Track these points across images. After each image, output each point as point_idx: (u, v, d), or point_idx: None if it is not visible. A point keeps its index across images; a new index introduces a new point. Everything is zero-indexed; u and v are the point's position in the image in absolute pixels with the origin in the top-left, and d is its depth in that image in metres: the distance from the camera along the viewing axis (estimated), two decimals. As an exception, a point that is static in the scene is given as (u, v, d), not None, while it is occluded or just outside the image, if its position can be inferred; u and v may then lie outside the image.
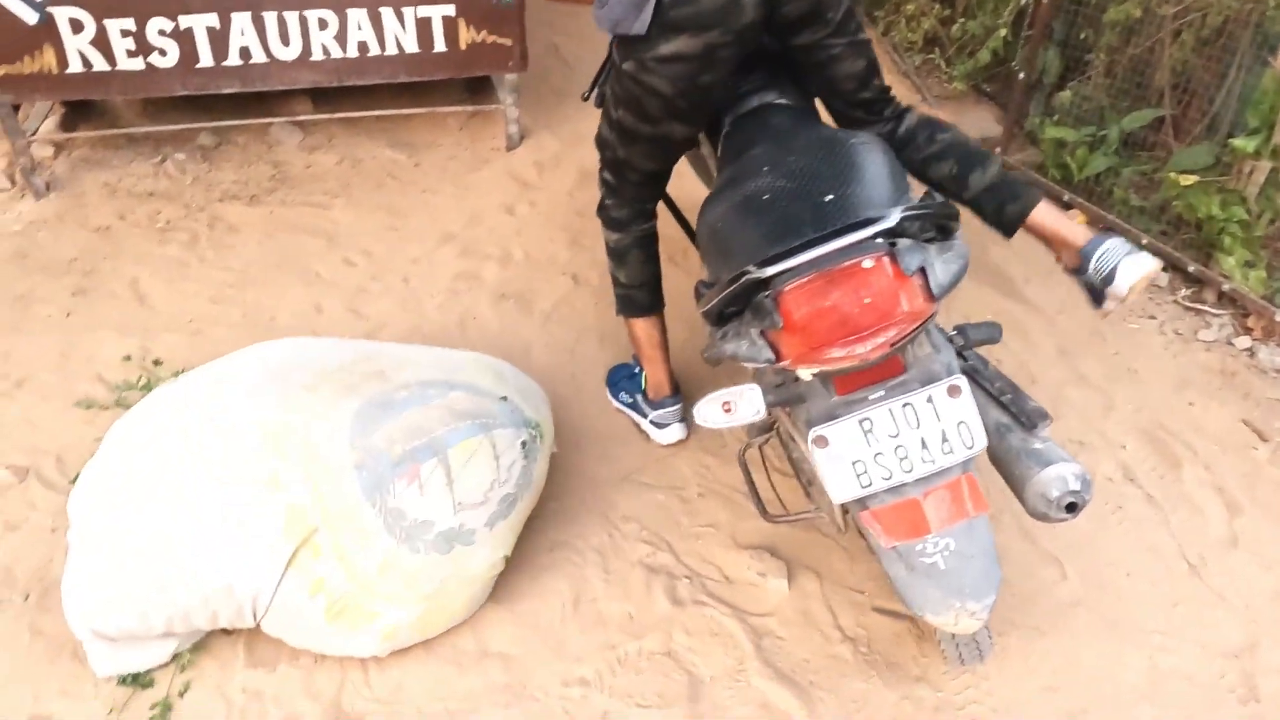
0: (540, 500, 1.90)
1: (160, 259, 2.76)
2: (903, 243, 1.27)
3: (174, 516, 1.57)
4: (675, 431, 2.15)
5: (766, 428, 1.74)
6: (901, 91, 4.06)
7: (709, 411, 1.36)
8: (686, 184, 2.37)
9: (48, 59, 2.78)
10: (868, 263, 1.25)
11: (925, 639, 1.72)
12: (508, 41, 3.09)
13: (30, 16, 2.70)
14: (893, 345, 1.25)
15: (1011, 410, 1.50)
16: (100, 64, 2.81)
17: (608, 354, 2.44)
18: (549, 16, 4.08)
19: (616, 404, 2.26)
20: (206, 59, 2.88)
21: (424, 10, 2.97)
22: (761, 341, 1.32)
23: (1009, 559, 1.89)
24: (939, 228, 1.32)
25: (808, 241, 1.26)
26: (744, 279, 1.28)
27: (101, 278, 2.69)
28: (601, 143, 1.96)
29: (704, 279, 1.51)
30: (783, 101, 1.76)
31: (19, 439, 2.11)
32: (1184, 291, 2.79)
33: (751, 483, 1.70)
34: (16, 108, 2.92)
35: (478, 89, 3.51)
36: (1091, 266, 1.75)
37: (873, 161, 1.39)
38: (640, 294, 2.09)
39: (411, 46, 3.01)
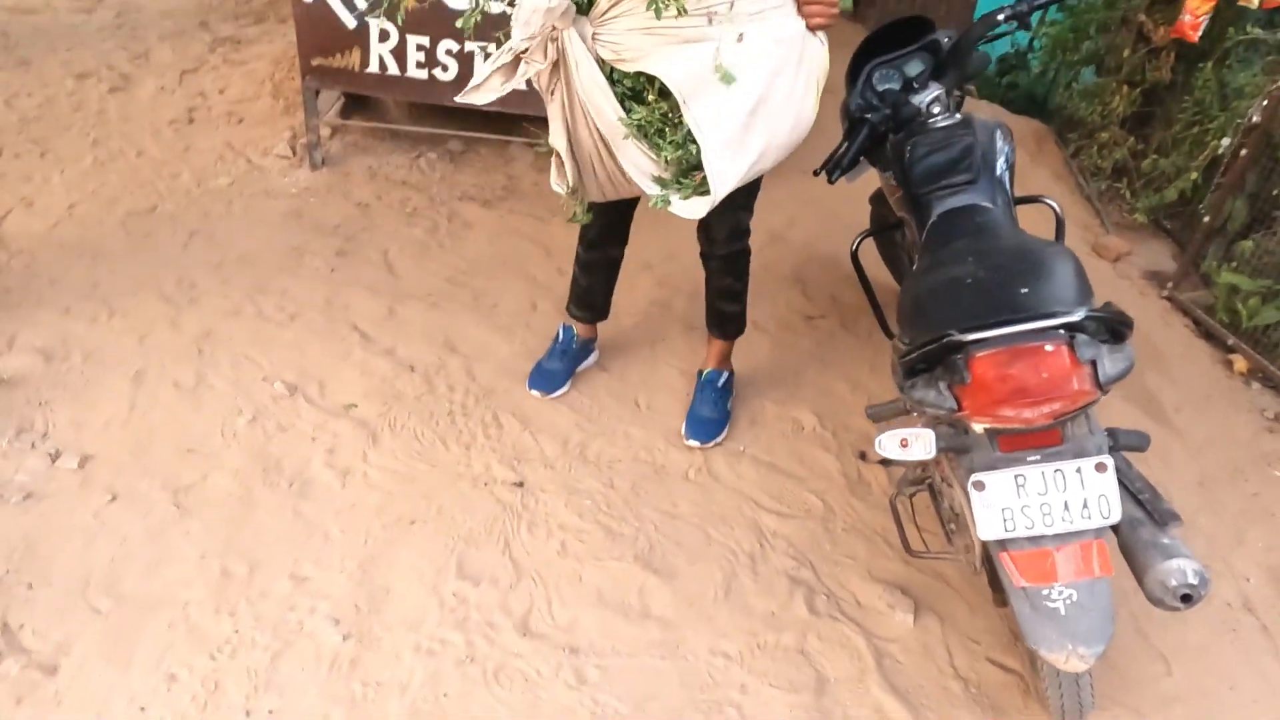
0: (694, 506, 2.21)
1: (407, 238, 3.23)
2: (1081, 337, 1.53)
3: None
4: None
5: (919, 481, 2.00)
6: (1080, 215, 4.26)
7: (889, 443, 1.64)
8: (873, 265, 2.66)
9: (354, 58, 3.32)
10: (1050, 346, 1.52)
11: (1031, 693, 1.92)
12: (732, 107, 3.47)
13: (350, 22, 3.25)
14: (1056, 417, 1.50)
15: (1147, 508, 1.71)
16: (394, 69, 3.34)
17: (776, 391, 2.73)
18: (762, 88, 4.46)
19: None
20: (478, 79, 3.37)
21: (667, 69, 3.38)
22: (948, 393, 1.59)
23: (1121, 649, 2.06)
24: (1113, 332, 1.56)
25: (1004, 320, 1.54)
26: (946, 339, 1.56)
27: (359, 245, 3.18)
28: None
29: (902, 339, 1.79)
30: (988, 205, 2.03)
31: (291, 361, 2.57)
32: (1336, 451, 2.88)
33: (899, 522, 1.96)
34: (317, 92, 3.49)
35: (691, 142, 3.91)
36: None
37: (1064, 268, 1.65)
38: None
39: (649, 98, 3.43)
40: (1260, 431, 2.96)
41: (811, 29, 1.84)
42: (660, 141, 1.79)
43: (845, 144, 2.26)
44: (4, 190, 3.23)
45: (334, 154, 3.65)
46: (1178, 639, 2.13)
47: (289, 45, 3.81)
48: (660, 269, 3.25)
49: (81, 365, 2.44)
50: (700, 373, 2.60)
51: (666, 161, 1.80)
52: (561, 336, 2.65)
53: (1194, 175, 3.99)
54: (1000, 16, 2.30)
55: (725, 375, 2.58)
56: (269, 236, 3.14)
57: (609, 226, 2.42)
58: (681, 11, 1.65)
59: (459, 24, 3.07)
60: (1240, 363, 3.25)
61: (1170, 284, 3.65)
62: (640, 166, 1.82)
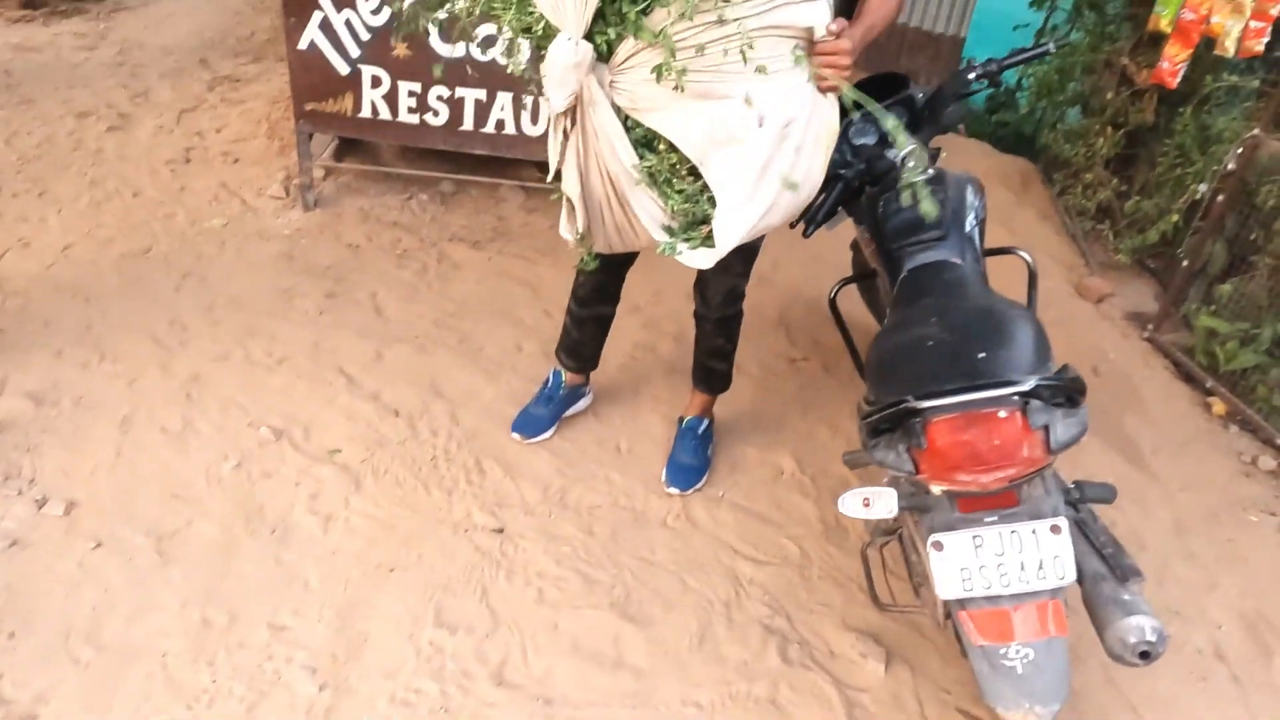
0: (671, 553, 2.24)
1: (396, 280, 3.28)
2: (1034, 403, 1.57)
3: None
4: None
5: (891, 531, 2.03)
6: (1065, 255, 4.31)
7: (851, 503, 1.68)
8: (855, 309, 2.70)
9: (346, 103, 3.40)
10: (1003, 413, 1.56)
11: (998, 746, 1.94)
12: (717, 151, 3.53)
13: (343, 68, 3.32)
14: (1011, 481, 1.54)
15: (1110, 563, 1.74)
16: (385, 114, 3.41)
17: (757, 436, 2.77)
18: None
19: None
20: (469, 124, 3.44)
21: (653, 114, 3.45)
22: (906, 456, 1.63)
23: (1091, 699, 2.09)
24: (1068, 397, 1.61)
25: (959, 387, 1.58)
26: (903, 405, 1.61)
27: (348, 286, 3.23)
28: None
29: (867, 397, 1.83)
30: (957, 261, 2.08)
31: (278, 406, 2.61)
32: (1311, 496, 2.91)
33: (869, 575, 1.99)
34: (311, 136, 3.56)
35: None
36: None
37: (1023, 332, 1.69)
38: None
39: (636, 142, 3.49)
40: (1237, 476, 3.00)
41: (823, 90, 1.84)
42: (668, 190, 1.83)
43: (821, 198, 2.31)
44: (1, 230, 3.29)
45: (327, 195, 3.72)
46: (1148, 688, 2.15)
47: (286, 84, 3.87)
48: (647, 311, 3.29)
49: (71, 410, 2.48)
50: (681, 419, 2.64)
51: (674, 211, 1.84)
52: (550, 381, 2.69)
53: (1175, 218, 4.05)
54: (970, 75, 2.36)
55: (706, 423, 2.62)
56: (260, 278, 3.19)
57: (602, 286, 2.48)
58: (680, 88, 1.68)
59: (434, 72, 3.15)
60: (1219, 405, 3.28)
61: (1151, 326, 3.70)
62: (651, 214, 1.86)
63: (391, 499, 2.37)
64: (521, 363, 2.95)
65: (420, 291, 3.24)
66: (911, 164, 2.37)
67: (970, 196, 2.27)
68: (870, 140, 2.51)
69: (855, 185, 2.37)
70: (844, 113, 2.02)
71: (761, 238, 2.21)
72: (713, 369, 2.58)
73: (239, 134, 4.15)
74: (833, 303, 2.58)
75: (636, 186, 1.82)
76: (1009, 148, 5.52)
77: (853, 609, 2.23)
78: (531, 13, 1.76)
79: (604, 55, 1.78)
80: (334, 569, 2.16)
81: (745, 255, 2.30)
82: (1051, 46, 2.34)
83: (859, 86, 2.60)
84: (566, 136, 1.87)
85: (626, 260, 2.42)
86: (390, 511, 2.33)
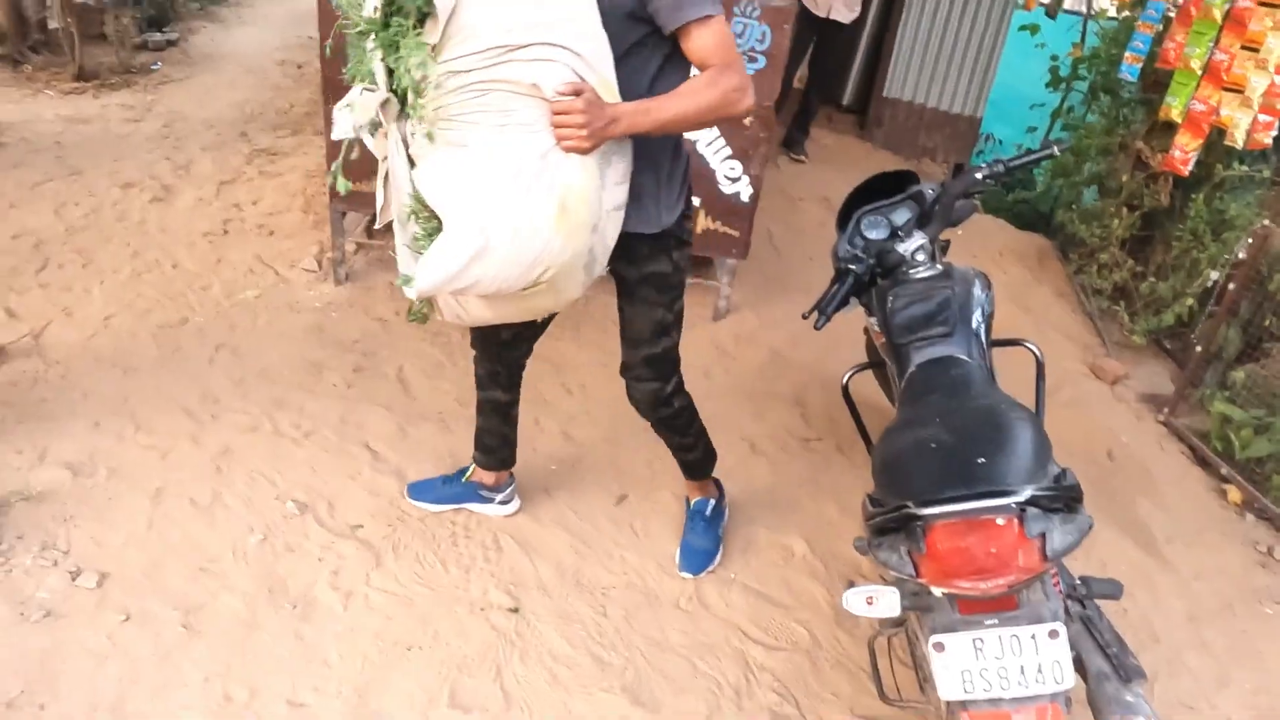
0: (683, 636, 2.28)
1: (423, 355, 3.38)
2: (1032, 511, 1.62)
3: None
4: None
5: (898, 623, 2.06)
6: (1081, 333, 4.35)
7: (855, 601, 1.72)
8: (868, 390, 2.76)
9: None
10: (1000, 520, 1.61)
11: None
12: (736, 233, 3.64)
13: (379, 151, 3.46)
14: (1009, 588, 1.59)
15: (1113, 662, 1.76)
16: (416, 194, 3.54)
17: (769, 517, 2.81)
18: (767, 205, 4.65)
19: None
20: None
21: (674, 197, 3.56)
22: (907, 559, 1.68)
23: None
24: (1066, 504, 1.65)
25: (959, 494, 1.64)
26: (904, 510, 1.66)
27: (376, 361, 3.33)
28: (664, 353, 2.27)
29: (872, 494, 1.88)
30: (963, 358, 2.14)
31: (303, 480, 2.69)
32: (1326, 589, 2.90)
33: (875, 666, 2.02)
34: (344, 214, 3.70)
35: (696, 261, 4.07)
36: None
37: (1023, 436, 1.74)
38: None
39: (657, 223, 3.60)
40: (1252, 566, 3.00)
41: (564, 149, 1.77)
42: (415, 225, 1.87)
43: (833, 290, 2.39)
44: (47, 301, 3.43)
45: (358, 269, 3.85)
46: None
47: (323, 157, 4.04)
48: (663, 388, 3.37)
49: (106, 481, 2.58)
50: (688, 501, 2.69)
51: (418, 247, 1.85)
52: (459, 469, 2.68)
53: (1190, 301, 4.09)
54: (979, 175, 2.45)
55: (712, 503, 2.66)
56: (291, 351, 3.30)
57: (491, 373, 2.46)
58: (430, 135, 1.74)
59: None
60: (1234, 493, 3.29)
61: (1167, 409, 3.72)
62: (403, 250, 1.93)
63: (411, 576, 2.43)
64: (540, 439, 3.02)
65: (445, 367, 3.34)
66: (921, 257, 2.46)
67: (978, 292, 2.34)
68: (881, 234, 2.60)
69: (866, 278, 2.46)
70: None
71: (669, 335, 2.25)
72: (686, 461, 2.57)
73: (275, 207, 4.32)
74: (845, 389, 2.64)
75: (409, 219, 1.87)
76: (1026, 225, 5.60)
77: (861, 699, 2.25)
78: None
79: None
80: (353, 646, 2.21)
81: (656, 366, 2.27)
82: (1057, 150, 2.43)
83: (869, 183, 2.72)
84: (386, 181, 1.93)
85: (511, 344, 2.39)
86: (409, 588, 2.39)
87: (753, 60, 3.33)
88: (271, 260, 3.87)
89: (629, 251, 2.08)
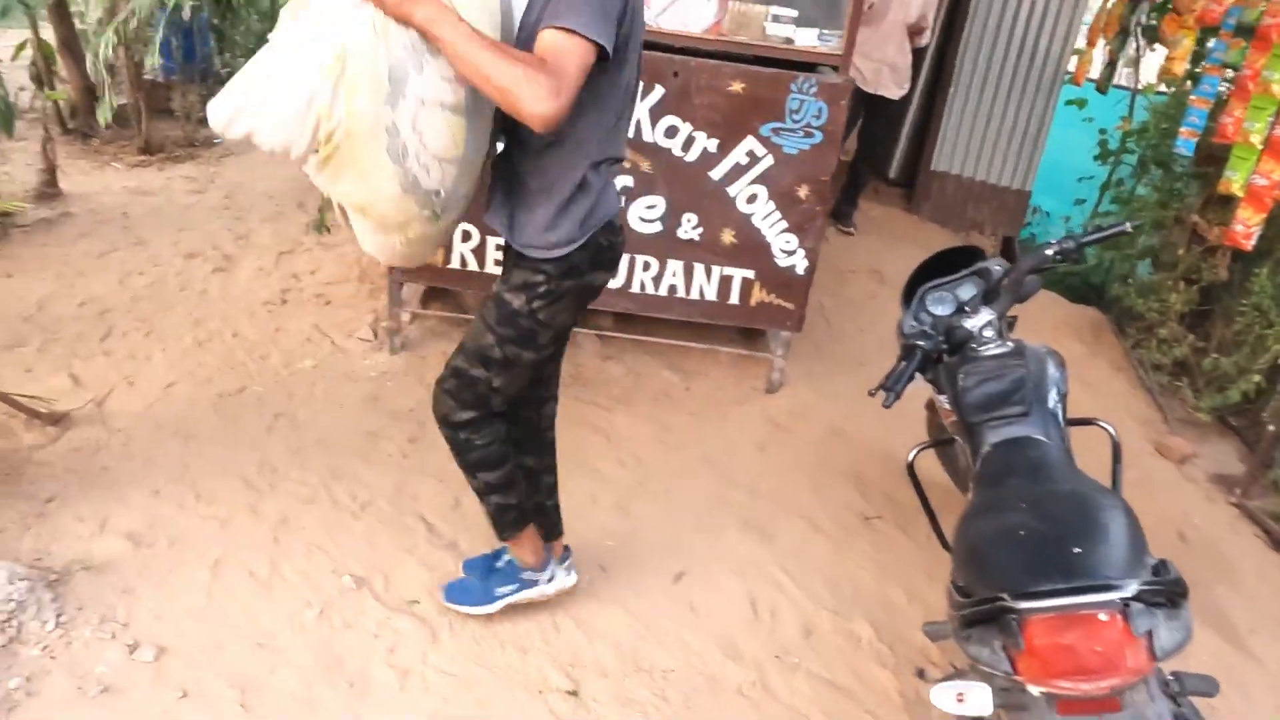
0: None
1: (476, 425, 3.37)
2: (1136, 606, 1.54)
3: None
4: (572, 574, 2.50)
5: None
6: (1141, 410, 4.25)
7: (944, 697, 1.64)
8: (929, 467, 2.70)
9: (438, 254, 3.58)
10: (1103, 616, 1.53)
11: None
12: (791, 305, 3.63)
13: (437, 224, 3.52)
14: (1114, 690, 1.50)
15: (1216, 766, 1.66)
16: (473, 265, 3.58)
17: (833, 599, 2.73)
18: (817, 277, 4.63)
19: (498, 605, 2.41)
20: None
21: (729, 270, 3.57)
22: (1002, 654, 1.60)
23: None
24: (1169, 599, 1.57)
25: (1057, 588, 1.56)
26: (998, 604, 1.59)
27: (430, 430, 3.29)
28: (471, 381, 2.10)
29: (958, 582, 1.81)
30: (1041, 438, 2.08)
31: (360, 553, 2.67)
32: None
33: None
34: (401, 285, 3.74)
35: (749, 333, 4.05)
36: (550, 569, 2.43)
37: (1117, 525, 1.68)
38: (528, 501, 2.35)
39: (711, 296, 3.61)
40: (1343, 659, 2.84)
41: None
42: None
43: (901, 366, 2.35)
44: (111, 368, 3.49)
45: (412, 339, 3.88)
46: None
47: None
48: (720, 463, 3.32)
49: (166, 551, 2.57)
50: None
51: None
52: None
53: (1257, 378, 3.99)
54: (1049, 252, 2.42)
55: (508, 558, 2.45)
56: (347, 420, 3.31)
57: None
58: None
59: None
60: (1315, 578, 3.14)
61: (1239, 490, 3.60)
62: None
63: (468, 655, 2.38)
64: (596, 514, 2.98)
65: (498, 437, 3.32)
66: (989, 334, 2.42)
67: (1052, 370, 2.29)
68: (947, 310, 2.57)
69: (934, 354, 2.42)
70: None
71: (485, 369, 2.08)
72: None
73: (332, 276, 4.39)
74: (910, 467, 2.58)
75: None
76: (1078, 297, 5.54)
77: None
78: None
79: None
80: (409, 728, 2.16)
81: (469, 358, 2.12)
82: (1129, 227, 2.40)
83: (933, 260, 2.70)
84: None
85: (539, 409, 2.38)
86: (466, 668, 2.34)
87: (809, 136, 3.35)
88: (329, 329, 3.92)
89: (504, 260, 2.14)
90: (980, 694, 1.62)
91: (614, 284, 3.58)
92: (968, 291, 2.59)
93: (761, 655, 2.51)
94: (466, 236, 3.53)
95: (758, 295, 3.61)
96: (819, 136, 3.36)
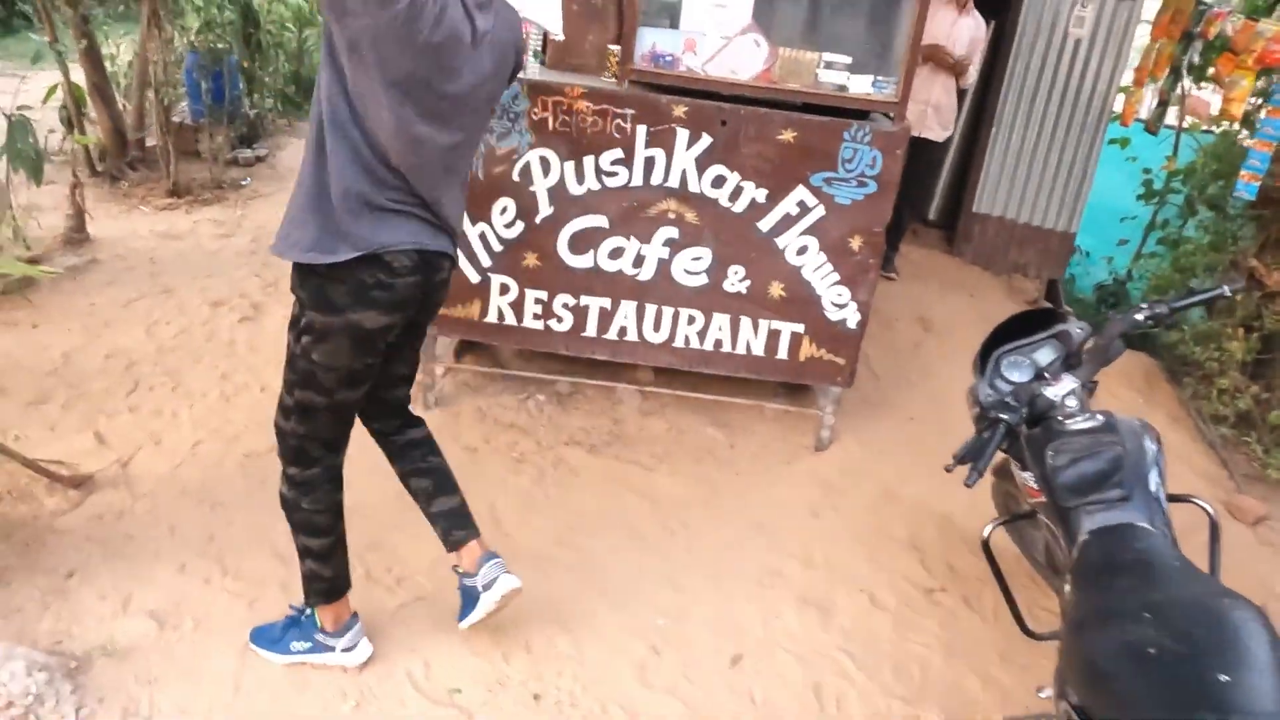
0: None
1: (514, 488, 3.22)
2: (1296, 748, 1.36)
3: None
4: (366, 647, 2.37)
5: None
6: (1203, 463, 4.04)
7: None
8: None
9: (474, 309, 3.45)
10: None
11: None
12: (841, 360, 3.46)
13: (474, 277, 3.39)
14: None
15: None
16: (510, 319, 3.45)
17: (900, 686, 2.54)
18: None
19: (289, 659, 2.34)
20: (591, 330, 3.45)
21: (776, 324, 3.42)
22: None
23: None
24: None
25: None
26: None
27: (466, 494, 3.14)
28: (280, 434, 2.17)
29: (1071, 697, 1.63)
30: (1146, 527, 1.91)
31: (397, 635, 2.50)
32: None
33: None
34: (435, 339, 3.61)
35: (793, 388, 3.89)
36: (480, 572, 2.32)
37: (1261, 645, 1.50)
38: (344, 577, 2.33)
39: (758, 350, 3.45)
40: None
41: None
42: None
43: (983, 439, 2.18)
44: (136, 425, 3.36)
45: (446, 394, 3.74)
46: None
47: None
48: (772, 529, 3.16)
49: (191, 634, 2.42)
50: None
51: None
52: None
53: (1331, 435, 3.78)
54: (1140, 316, 2.27)
55: (309, 617, 2.35)
56: (381, 483, 3.14)
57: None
58: None
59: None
60: None
61: (1319, 556, 3.38)
62: None
63: (514, 752, 2.21)
64: (645, 588, 2.81)
65: (538, 501, 3.17)
66: (1073, 403, 2.25)
67: (1150, 446, 2.12)
68: (1025, 376, 2.41)
69: (1016, 427, 2.25)
70: None
71: (287, 414, 2.16)
72: None
73: (362, 326, 4.26)
74: (986, 545, 2.41)
75: None
76: (1127, 343, 5.34)
77: None
78: None
79: None
80: (455, 840, 1.98)
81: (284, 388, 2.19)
82: (1228, 290, 2.23)
83: (1013, 321, 2.54)
84: None
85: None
86: (513, 768, 2.17)
87: (863, 185, 3.21)
88: (359, 383, 3.78)
89: None
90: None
91: (657, 338, 3.44)
92: (1046, 356, 2.43)
93: (829, 751, 2.33)
94: (505, 290, 3.40)
95: (807, 350, 3.45)
96: (873, 186, 3.22)
